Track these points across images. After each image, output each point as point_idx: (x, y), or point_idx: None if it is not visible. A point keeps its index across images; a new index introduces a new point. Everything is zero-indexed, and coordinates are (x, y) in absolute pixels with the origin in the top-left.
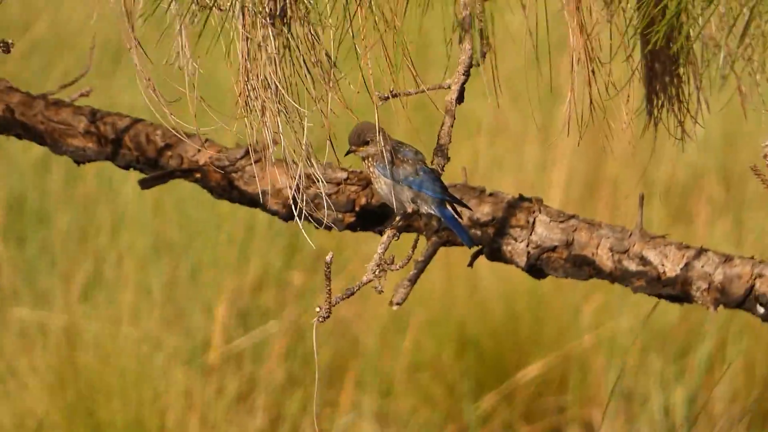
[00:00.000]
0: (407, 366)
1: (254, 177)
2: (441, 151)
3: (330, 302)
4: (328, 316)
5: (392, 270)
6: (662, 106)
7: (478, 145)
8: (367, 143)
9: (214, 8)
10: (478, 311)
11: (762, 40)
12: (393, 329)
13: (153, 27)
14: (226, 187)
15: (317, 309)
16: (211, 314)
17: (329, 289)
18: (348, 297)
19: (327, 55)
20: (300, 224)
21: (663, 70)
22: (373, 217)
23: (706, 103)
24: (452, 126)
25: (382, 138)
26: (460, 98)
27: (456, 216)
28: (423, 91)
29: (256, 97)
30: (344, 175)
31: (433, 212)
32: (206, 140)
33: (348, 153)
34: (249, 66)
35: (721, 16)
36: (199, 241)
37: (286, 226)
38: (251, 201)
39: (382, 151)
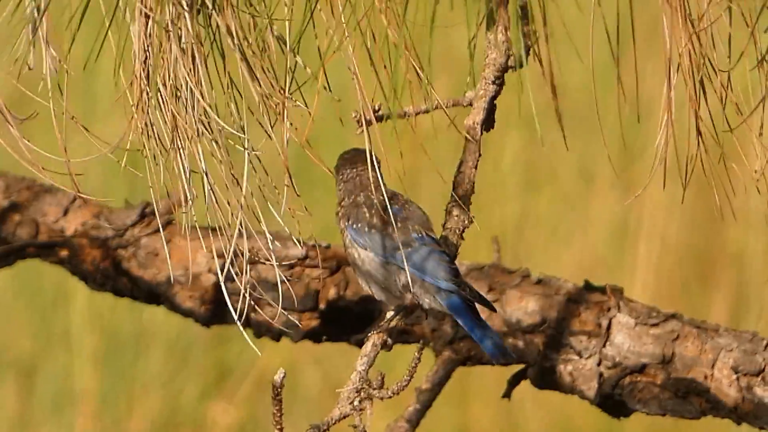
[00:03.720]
0: None
1: (154, 255)
2: (458, 206)
3: None
4: None
5: (381, 398)
6: None
7: (518, 197)
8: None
9: None
10: None
11: None
12: None
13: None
14: (110, 271)
15: None
16: None
17: (281, 429)
18: None
19: (280, 38)
20: (240, 326)
21: None
22: (347, 319)
23: None
24: (476, 167)
25: (367, 176)
26: (488, 122)
27: (474, 313)
28: (428, 111)
29: (163, 114)
30: (301, 251)
31: (438, 308)
32: (77, 195)
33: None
34: (151, 61)
35: None
36: (64, 356)
37: (207, 334)
38: (150, 294)
39: (355, 202)
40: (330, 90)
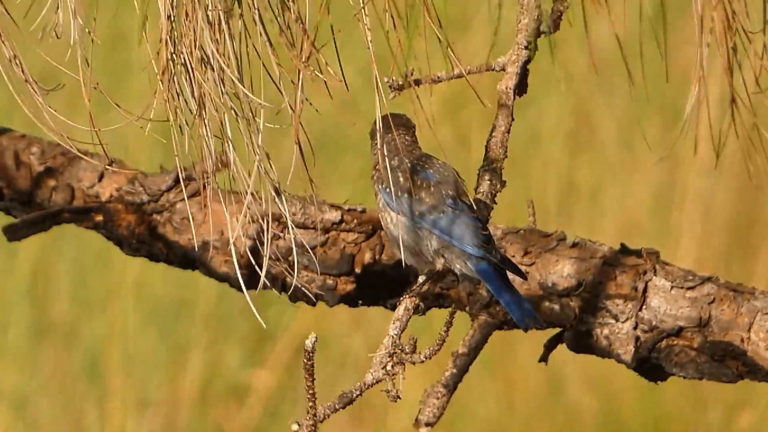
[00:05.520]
0: None
1: (189, 220)
2: (491, 170)
3: (315, 415)
4: None
5: (414, 363)
6: None
7: (554, 162)
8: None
9: None
10: None
11: None
12: None
13: None
14: (145, 236)
15: (294, 426)
16: None
17: (313, 394)
18: (344, 407)
19: (298, 18)
20: (277, 290)
21: None
22: (383, 283)
23: None
24: (509, 131)
25: (398, 140)
26: (520, 87)
27: (504, 279)
28: (461, 76)
29: (190, 84)
30: (337, 215)
31: (469, 273)
32: (112, 161)
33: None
34: (177, 31)
35: None
36: (104, 323)
37: (244, 299)
38: (185, 258)
39: (387, 166)
40: (339, 64)
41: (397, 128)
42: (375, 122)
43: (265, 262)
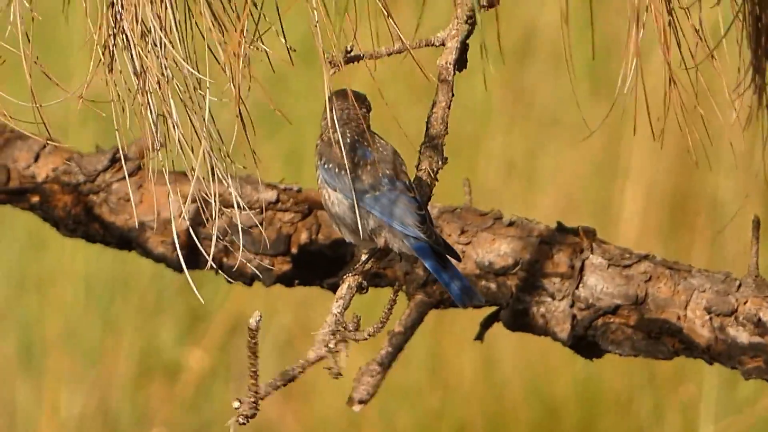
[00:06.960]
0: None
1: (126, 200)
2: (433, 146)
3: (257, 392)
4: (254, 415)
5: (356, 341)
6: None
7: (493, 140)
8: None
9: None
10: (494, 412)
11: None
12: None
13: None
14: (81, 217)
15: (235, 404)
16: (57, 418)
17: (255, 371)
18: (285, 384)
19: None
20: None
21: None
22: (320, 263)
23: None
24: (449, 107)
25: (342, 113)
26: (460, 62)
27: (441, 257)
28: (401, 51)
29: (131, 60)
30: (273, 194)
31: (407, 251)
32: (48, 140)
33: None
34: (119, 5)
35: None
36: (35, 303)
37: (180, 280)
38: (122, 239)
39: (330, 141)
40: (284, 37)
41: (349, 101)
42: (335, 92)
43: (214, 240)
